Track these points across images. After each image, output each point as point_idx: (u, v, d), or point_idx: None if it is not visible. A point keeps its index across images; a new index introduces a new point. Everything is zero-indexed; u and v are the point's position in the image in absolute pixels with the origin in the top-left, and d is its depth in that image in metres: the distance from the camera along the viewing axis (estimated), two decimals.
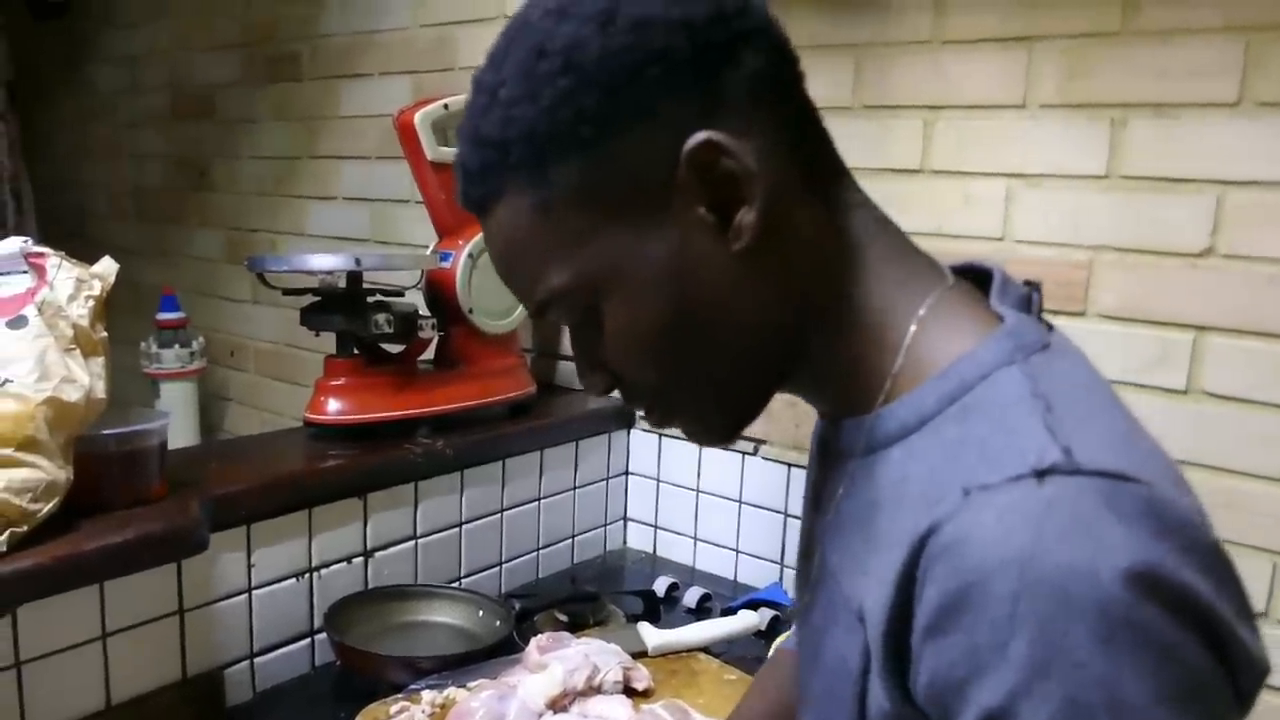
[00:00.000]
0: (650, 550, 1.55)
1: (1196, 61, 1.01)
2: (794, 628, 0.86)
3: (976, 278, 0.57)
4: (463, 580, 1.31)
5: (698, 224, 0.50)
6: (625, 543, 1.57)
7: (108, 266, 0.94)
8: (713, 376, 0.54)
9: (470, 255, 1.32)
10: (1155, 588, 0.39)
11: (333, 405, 1.22)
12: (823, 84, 1.30)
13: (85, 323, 0.90)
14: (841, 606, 0.53)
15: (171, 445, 1.04)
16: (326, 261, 1.22)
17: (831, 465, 0.57)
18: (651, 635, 1.16)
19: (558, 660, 1.00)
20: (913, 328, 0.52)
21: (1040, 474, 0.42)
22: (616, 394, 0.58)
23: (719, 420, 0.57)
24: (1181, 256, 1.05)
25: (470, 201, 0.54)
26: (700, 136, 0.48)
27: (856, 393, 0.53)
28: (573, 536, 1.48)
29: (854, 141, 1.26)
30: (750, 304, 0.52)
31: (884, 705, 0.48)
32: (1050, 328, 0.53)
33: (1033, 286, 0.55)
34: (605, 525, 1.54)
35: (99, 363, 0.91)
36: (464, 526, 1.31)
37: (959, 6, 1.18)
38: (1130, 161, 1.07)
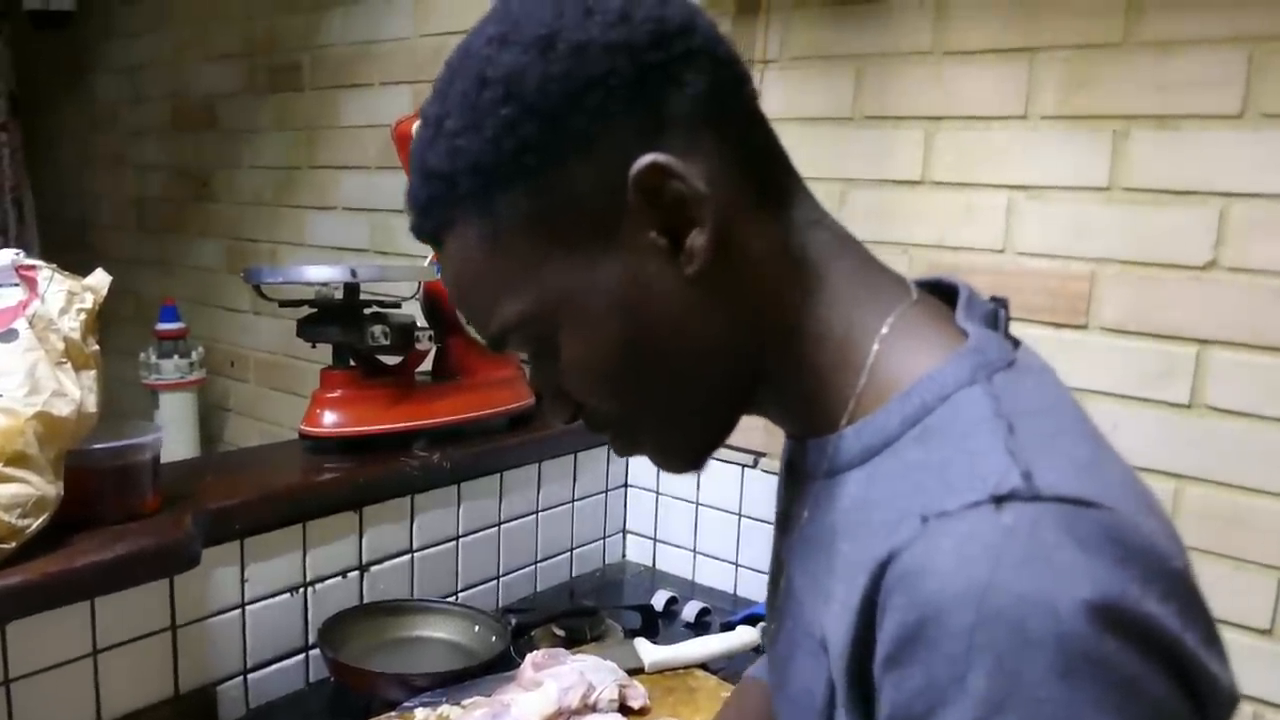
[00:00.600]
0: (649, 564, 1.54)
1: (1199, 72, 1.01)
2: (765, 655, 0.84)
3: (943, 292, 0.56)
4: (460, 594, 1.30)
5: (649, 249, 0.49)
6: (624, 556, 1.56)
7: (100, 279, 0.93)
8: (674, 403, 0.53)
9: None
10: (1117, 619, 0.38)
11: (328, 418, 1.22)
12: (823, 95, 1.31)
13: (77, 336, 0.90)
14: (805, 633, 0.52)
15: (170, 457, 1.03)
16: (322, 273, 1.21)
17: (797, 486, 0.56)
18: (648, 651, 1.15)
19: (552, 678, 0.99)
20: (876, 346, 0.51)
21: (999, 500, 0.41)
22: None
23: (684, 447, 0.56)
24: (1185, 269, 1.04)
25: (422, 234, 0.54)
26: (646, 160, 0.48)
27: (820, 413, 0.53)
28: (571, 550, 1.47)
29: (854, 153, 1.28)
30: (707, 328, 0.51)
31: None
32: (1017, 344, 0.52)
33: (999, 302, 0.54)
34: (604, 538, 1.53)
35: (90, 376, 0.90)
36: (461, 540, 1.30)
37: (960, 17, 1.17)
38: (1133, 173, 1.06)
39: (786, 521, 0.59)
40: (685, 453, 0.56)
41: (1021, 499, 0.41)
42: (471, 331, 1.33)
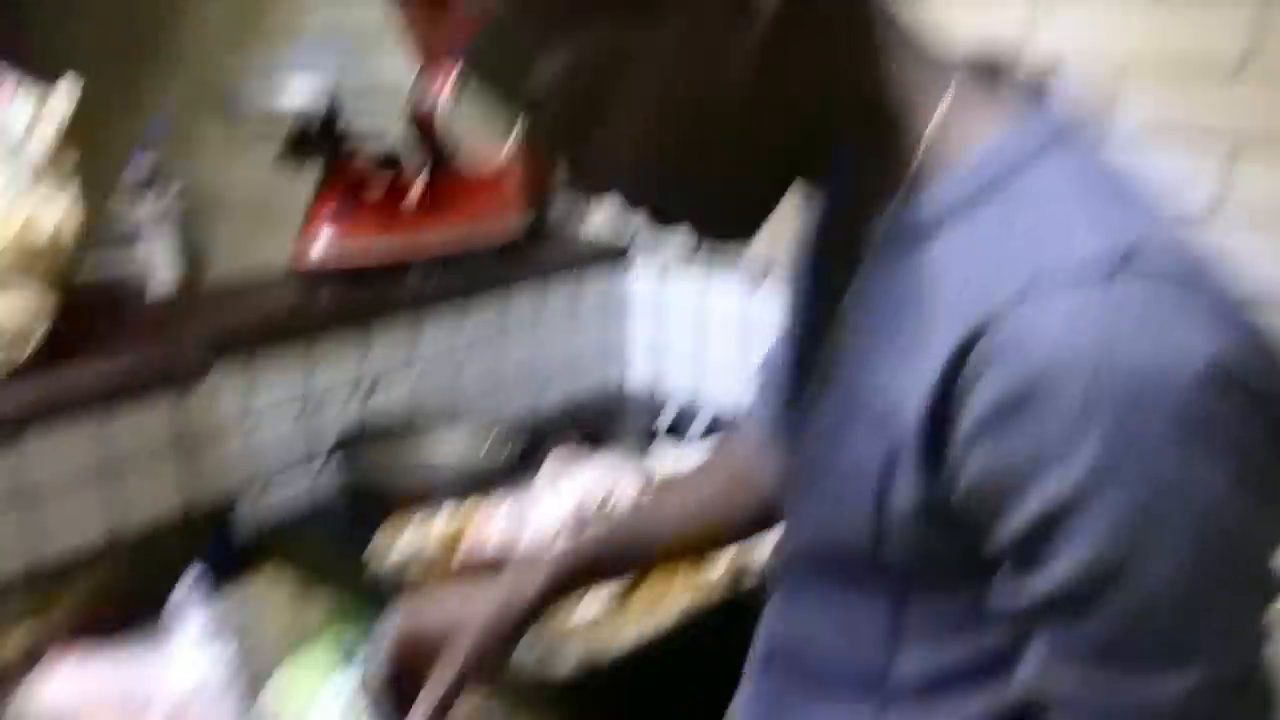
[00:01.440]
0: (654, 385, 1.53)
1: None
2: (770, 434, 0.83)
3: (988, 64, 0.53)
4: None
5: (711, 2, 0.45)
6: (628, 378, 1.55)
7: (67, 89, 0.87)
8: (726, 172, 0.50)
9: (456, 87, 1.25)
10: (1229, 386, 0.39)
11: (318, 250, 1.18)
12: None
13: (47, 154, 0.84)
14: (861, 406, 0.50)
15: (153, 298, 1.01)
16: (303, 92, 1.15)
17: (841, 261, 0.54)
18: (672, 453, 1.14)
19: (574, 479, 0.98)
20: (935, 118, 0.48)
21: (1106, 275, 0.40)
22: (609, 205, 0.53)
23: (733, 219, 0.53)
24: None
25: None
26: None
27: (876, 186, 0.50)
28: (573, 374, 1.46)
29: None
30: (767, 92, 0.47)
31: (908, 506, 0.47)
32: (1070, 112, 0.50)
33: (1049, 72, 0.52)
34: (607, 361, 1.51)
35: (67, 196, 0.86)
36: (462, 367, 1.29)
37: None
38: None
39: (819, 300, 0.57)
40: (734, 226, 0.53)
41: (1127, 274, 0.40)
42: (462, 158, 1.28)
